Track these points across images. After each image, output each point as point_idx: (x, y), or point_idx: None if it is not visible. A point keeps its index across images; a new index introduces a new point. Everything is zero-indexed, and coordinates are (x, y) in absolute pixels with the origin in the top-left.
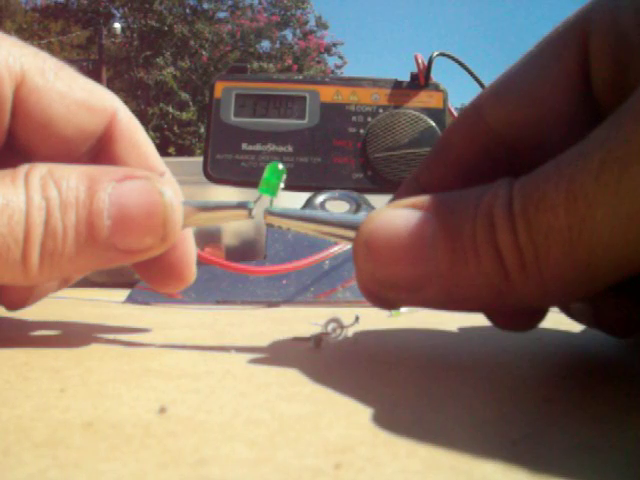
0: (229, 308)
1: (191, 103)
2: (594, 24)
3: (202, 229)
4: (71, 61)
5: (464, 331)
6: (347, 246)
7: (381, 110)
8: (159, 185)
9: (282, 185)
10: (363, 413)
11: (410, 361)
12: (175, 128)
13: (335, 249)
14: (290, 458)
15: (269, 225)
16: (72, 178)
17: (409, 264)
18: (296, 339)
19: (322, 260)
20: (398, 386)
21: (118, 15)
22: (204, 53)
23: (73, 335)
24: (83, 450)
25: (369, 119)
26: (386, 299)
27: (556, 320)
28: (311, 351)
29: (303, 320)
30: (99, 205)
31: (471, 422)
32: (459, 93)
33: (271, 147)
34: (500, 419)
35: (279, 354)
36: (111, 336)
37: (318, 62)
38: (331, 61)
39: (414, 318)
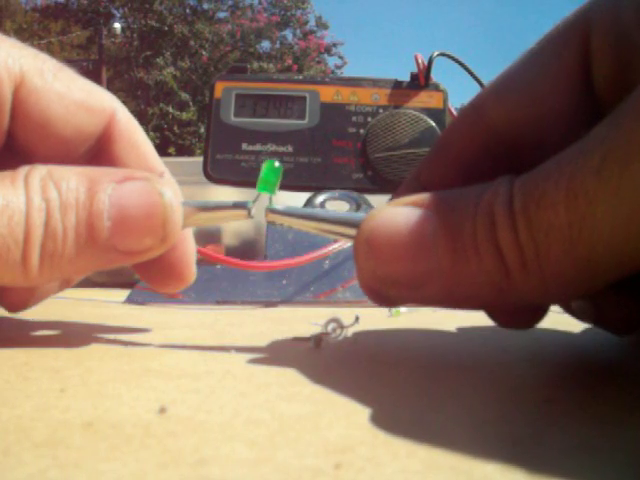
0: (229, 308)
1: (191, 103)
2: (595, 22)
3: (202, 229)
4: (71, 61)
5: (464, 331)
6: (348, 243)
7: (381, 110)
8: (159, 186)
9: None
10: (363, 413)
11: (410, 361)
12: (175, 128)
13: (336, 246)
14: (290, 458)
15: (270, 223)
16: (72, 179)
17: (410, 261)
18: (296, 339)
19: (322, 257)
20: (398, 386)
21: (118, 15)
22: (204, 53)
23: (73, 335)
24: (83, 450)
25: (369, 119)
26: (387, 296)
27: (556, 320)
28: (311, 351)
29: (303, 320)
30: (99, 206)
31: (471, 422)
32: (459, 93)
33: (271, 147)
34: (500, 419)
35: (279, 354)
36: (111, 336)
37: (318, 62)
38: (331, 61)
39: (414, 318)
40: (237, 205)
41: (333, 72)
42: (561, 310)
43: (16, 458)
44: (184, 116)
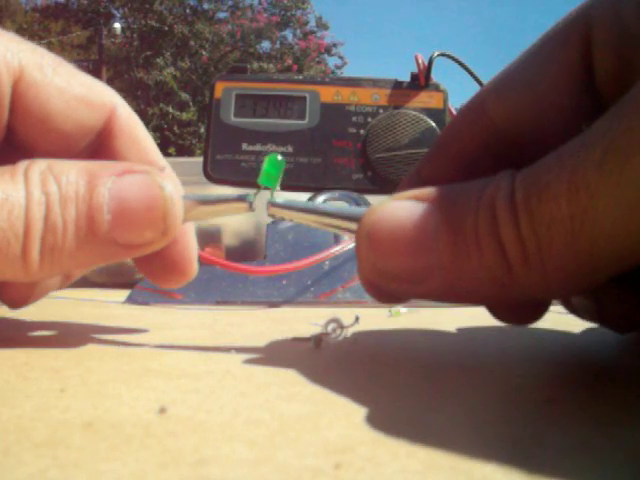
0: (229, 308)
1: (191, 103)
2: (596, 18)
3: (202, 229)
4: (71, 61)
5: (464, 331)
6: (347, 246)
7: (381, 110)
8: (159, 179)
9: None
10: (363, 413)
11: (410, 361)
12: (175, 128)
13: (335, 249)
14: (290, 458)
15: (272, 216)
16: (72, 173)
17: (411, 256)
18: (296, 339)
19: (322, 260)
20: (398, 386)
21: (118, 15)
22: (204, 53)
23: (73, 335)
24: (83, 450)
25: (369, 119)
26: (388, 291)
27: (556, 320)
28: (311, 351)
29: (303, 320)
30: (99, 200)
31: (471, 422)
32: (459, 93)
33: (271, 147)
34: (500, 419)
35: (279, 354)
36: (111, 336)
37: (318, 62)
38: (331, 61)
39: (414, 318)
40: (238, 198)
41: (333, 72)
42: (561, 310)
43: (16, 458)
44: (184, 116)
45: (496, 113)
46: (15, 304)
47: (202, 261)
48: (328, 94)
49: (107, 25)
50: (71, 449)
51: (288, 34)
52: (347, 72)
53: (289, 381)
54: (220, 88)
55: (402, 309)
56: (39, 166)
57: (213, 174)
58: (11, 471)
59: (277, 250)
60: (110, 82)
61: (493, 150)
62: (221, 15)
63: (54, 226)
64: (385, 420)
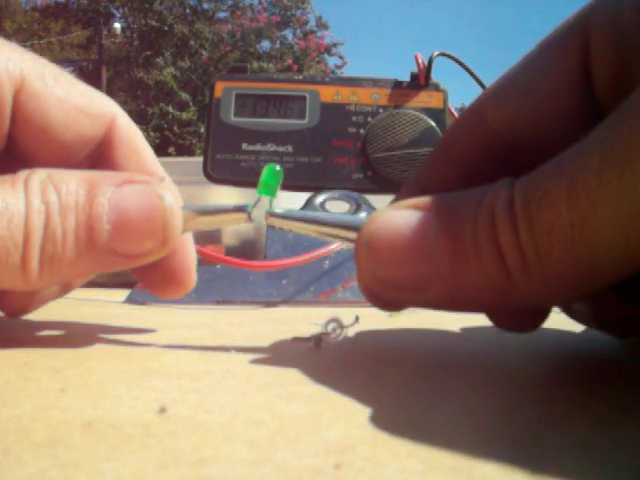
0: (229, 308)
1: (191, 103)
2: (595, 23)
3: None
4: (71, 61)
5: (464, 331)
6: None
7: (381, 110)
8: (159, 189)
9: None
10: (363, 413)
11: (410, 361)
12: (175, 128)
13: (335, 246)
14: (290, 458)
15: (271, 227)
16: (72, 182)
17: (411, 265)
18: (296, 339)
19: (322, 256)
20: (398, 386)
21: (118, 15)
22: (204, 53)
23: (73, 335)
24: (83, 450)
25: (369, 119)
26: (387, 300)
27: (556, 320)
28: (311, 351)
29: (303, 320)
30: (98, 209)
31: (471, 422)
32: (459, 93)
33: (271, 147)
34: (500, 419)
35: (279, 354)
36: (111, 336)
37: (318, 62)
38: (331, 61)
39: (414, 318)
40: (237, 209)
41: (333, 72)
42: (561, 310)
43: (16, 458)
44: (184, 116)
45: (495, 119)
46: (14, 313)
47: (202, 257)
48: (328, 94)
49: (107, 25)
50: (71, 449)
51: (288, 34)
52: (347, 72)
53: (289, 381)
54: (220, 88)
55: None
56: (39, 175)
57: (213, 174)
58: (11, 471)
59: (277, 250)
60: (110, 82)
61: (493, 156)
62: (221, 15)
63: (54, 235)
64: (385, 420)
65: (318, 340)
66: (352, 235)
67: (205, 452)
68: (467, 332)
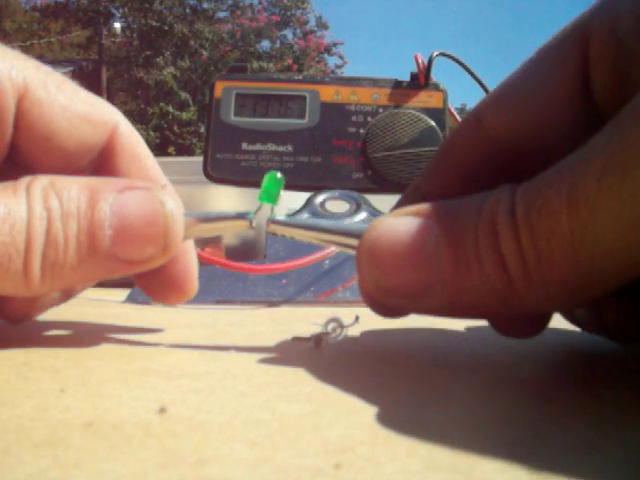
0: (229, 308)
1: (191, 103)
2: (593, 31)
3: None
4: (71, 61)
5: (464, 331)
6: None
7: (381, 110)
8: (160, 195)
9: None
10: (363, 413)
11: (410, 361)
12: (175, 128)
13: (335, 247)
14: (290, 458)
15: (272, 233)
16: (73, 189)
17: (412, 271)
18: (296, 339)
19: (322, 259)
20: (398, 386)
21: (118, 15)
22: (204, 53)
23: (73, 335)
24: (83, 450)
25: (369, 119)
26: (389, 307)
27: (556, 320)
28: (311, 351)
29: (303, 320)
30: (100, 215)
31: (471, 422)
32: (459, 93)
33: (271, 147)
34: (500, 419)
35: (279, 354)
36: (111, 336)
37: (318, 62)
38: (331, 61)
39: (414, 318)
40: (238, 216)
41: (333, 72)
42: (562, 316)
43: (16, 458)
44: (184, 116)
45: (494, 126)
46: (15, 319)
47: (202, 261)
48: (328, 93)
49: (107, 25)
50: (71, 449)
51: (288, 34)
52: (347, 72)
53: (289, 381)
54: (220, 87)
55: None
56: (41, 182)
57: (213, 173)
58: (11, 471)
59: (277, 250)
60: (110, 82)
61: (493, 163)
62: (221, 14)
63: (55, 241)
64: (385, 420)
65: (318, 340)
66: (353, 242)
67: (205, 452)
68: (467, 332)
